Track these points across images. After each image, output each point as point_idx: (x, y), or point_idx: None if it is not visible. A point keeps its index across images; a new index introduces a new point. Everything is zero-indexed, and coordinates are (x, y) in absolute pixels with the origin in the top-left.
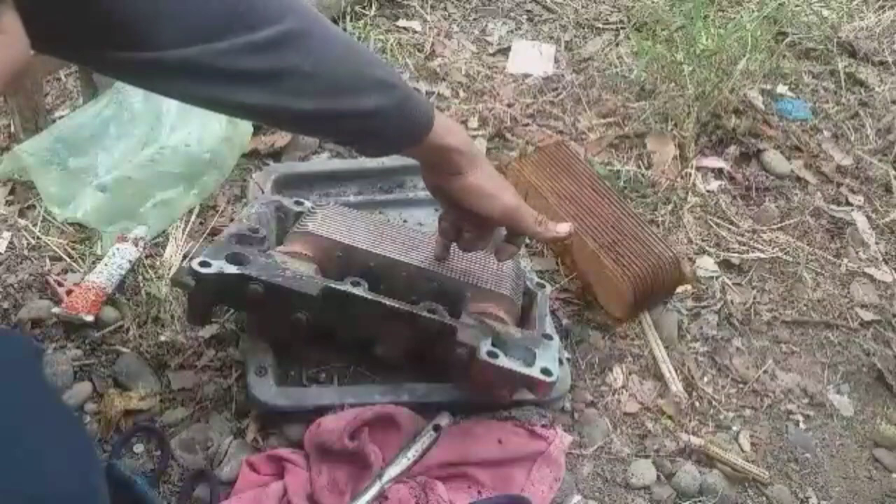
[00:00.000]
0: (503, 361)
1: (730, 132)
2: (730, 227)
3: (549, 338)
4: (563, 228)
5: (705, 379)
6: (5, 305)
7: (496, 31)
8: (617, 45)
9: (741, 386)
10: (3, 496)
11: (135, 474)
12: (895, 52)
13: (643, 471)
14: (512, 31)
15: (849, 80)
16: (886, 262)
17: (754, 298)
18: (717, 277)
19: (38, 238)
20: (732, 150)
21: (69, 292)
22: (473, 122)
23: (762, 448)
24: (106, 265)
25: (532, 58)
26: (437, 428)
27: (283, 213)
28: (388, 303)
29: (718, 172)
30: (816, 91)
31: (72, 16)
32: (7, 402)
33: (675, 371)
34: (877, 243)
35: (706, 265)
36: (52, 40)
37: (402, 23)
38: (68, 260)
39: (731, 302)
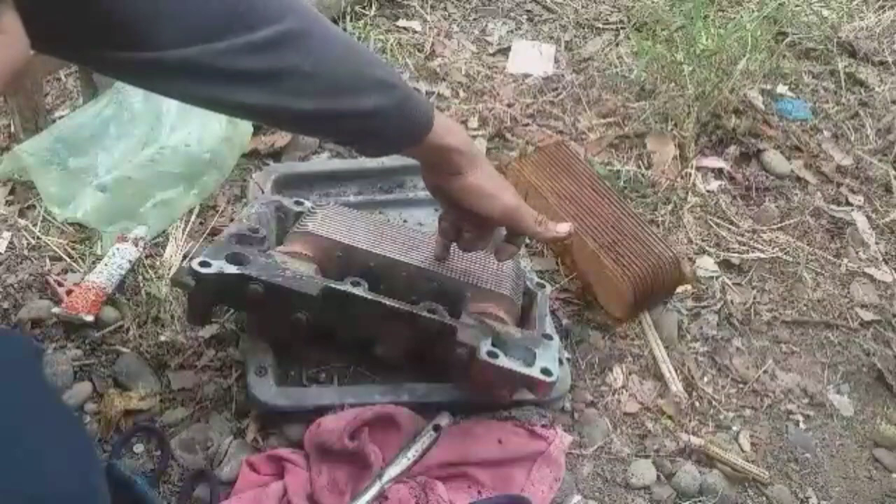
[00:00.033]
0: (503, 361)
1: (730, 132)
2: (730, 227)
3: (549, 338)
4: (563, 228)
5: (705, 379)
6: (5, 305)
7: (496, 31)
8: (617, 45)
9: (741, 386)
10: (3, 496)
11: (135, 474)
12: (895, 52)
13: (643, 471)
14: (512, 31)
15: (849, 80)
16: (886, 262)
17: (754, 298)
18: (717, 277)
19: (38, 238)
20: (732, 150)
21: (69, 292)
22: (473, 122)
23: (762, 448)
24: (106, 265)
25: (532, 58)
26: (437, 428)
27: (283, 213)
28: (388, 303)
29: (718, 172)
30: (816, 91)
31: (72, 16)
32: (7, 402)
33: (675, 371)
34: (877, 243)
35: (706, 265)
36: (52, 40)
37: (402, 23)
38: (68, 260)
39: (731, 302)
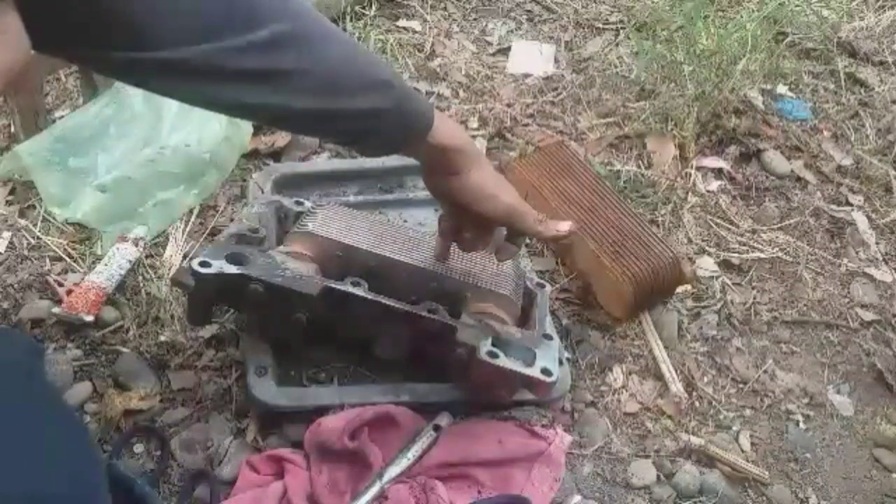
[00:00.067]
0: (503, 361)
1: (730, 132)
2: (730, 227)
3: (549, 338)
4: (564, 226)
5: (705, 379)
6: (5, 305)
7: (496, 31)
8: (617, 45)
9: (741, 386)
10: (3, 496)
11: (135, 474)
12: (895, 53)
13: (643, 471)
14: (512, 31)
15: (849, 80)
16: (886, 262)
17: (754, 298)
18: (717, 277)
19: (38, 238)
20: (732, 150)
21: (69, 292)
22: (473, 122)
23: (762, 448)
24: (106, 265)
25: (532, 58)
26: (437, 428)
27: (283, 213)
28: (388, 303)
29: (718, 172)
30: (816, 91)
31: (72, 15)
32: (8, 402)
33: (675, 371)
34: (877, 243)
35: (706, 265)
36: (52, 40)
37: (402, 23)
38: (68, 260)
39: (731, 302)
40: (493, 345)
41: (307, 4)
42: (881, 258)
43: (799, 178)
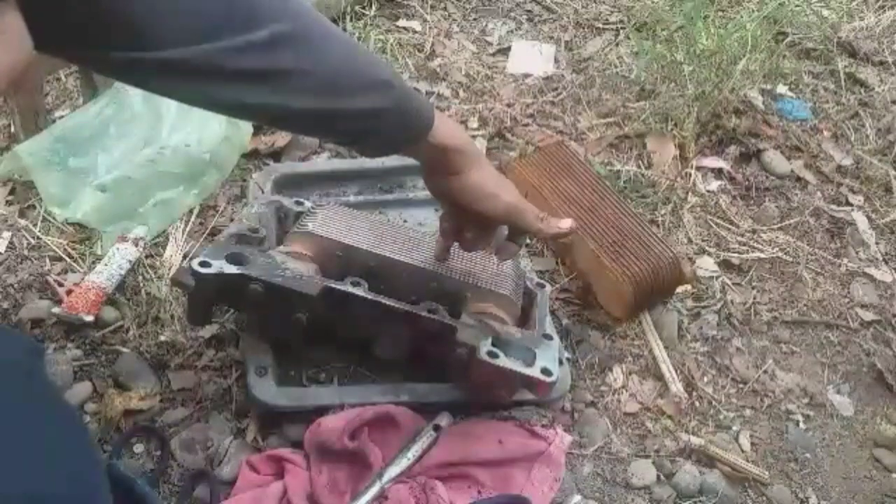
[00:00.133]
0: (503, 361)
1: (730, 132)
2: (730, 227)
3: (549, 338)
4: (565, 224)
5: (705, 379)
6: (5, 305)
7: (496, 31)
8: (617, 45)
9: (741, 386)
10: (3, 496)
11: (135, 474)
12: (895, 52)
13: (643, 471)
14: (512, 31)
15: (849, 80)
16: (886, 262)
17: (754, 298)
18: (717, 277)
19: (38, 238)
20: (732, 150)
21: (69, 292)
22: (473, 122)
23: (762, 448)
24: (106, 265)
25: (532, 58)
26: (437, 428)
27: (283, 213)
28: (388, 303)
29: (718, 172)
30: (816, 91)
31: (71, 15)
32: (8, 402)
33: (675, 371)
34: (877, 243)
35: (706, 265)
36: (53, 40)
37: (402, 23)
38: (68, 260)
39: (731, 302)
40: (493, 345)
41: (307, 4)
42: (881, 258)
43: (799, 178)
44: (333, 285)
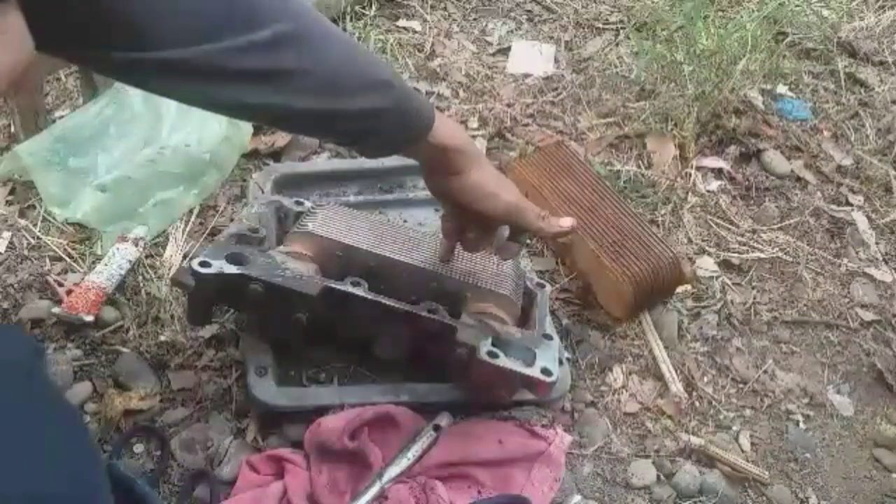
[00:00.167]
0: (503, 361)
1: (730, 132)
2: (730, 227)
3: (549, 338)
4: (567, 222)
5: (705, 379)
6: (5, 305)
7: (496, 31)
8: (617, 45)
9: (741, 386)
10: (3, 496)
11: (135, 474)
12: (895, 52)
13: (643, 471)
14: (512, 31)
15: (849, 80)
16: (886, 262)
17: (754, 298)
18: (717, 277)
19: (38, 238)
20: (732, 150)
21: (69, 292)
22: (473, 122)
23: (762, 448)
24: (106, 265)
25: (532, 58)
26: (437, 428)
27: (283, 213)
28: (388, 303)
29: (718, 172)
30: (816, 91)
31: (72, 15)
32: (8, 402)
33: (675, 371)
34: (877, 243)
35: (706, 265)
36: (52, 40)
37: (402, 23)
38: (68, 260)
39: (731, 302)
40: (493, 345)
41: (307, 4)
42: (881, 258)
43: (799, 178)
44: (333, 285)
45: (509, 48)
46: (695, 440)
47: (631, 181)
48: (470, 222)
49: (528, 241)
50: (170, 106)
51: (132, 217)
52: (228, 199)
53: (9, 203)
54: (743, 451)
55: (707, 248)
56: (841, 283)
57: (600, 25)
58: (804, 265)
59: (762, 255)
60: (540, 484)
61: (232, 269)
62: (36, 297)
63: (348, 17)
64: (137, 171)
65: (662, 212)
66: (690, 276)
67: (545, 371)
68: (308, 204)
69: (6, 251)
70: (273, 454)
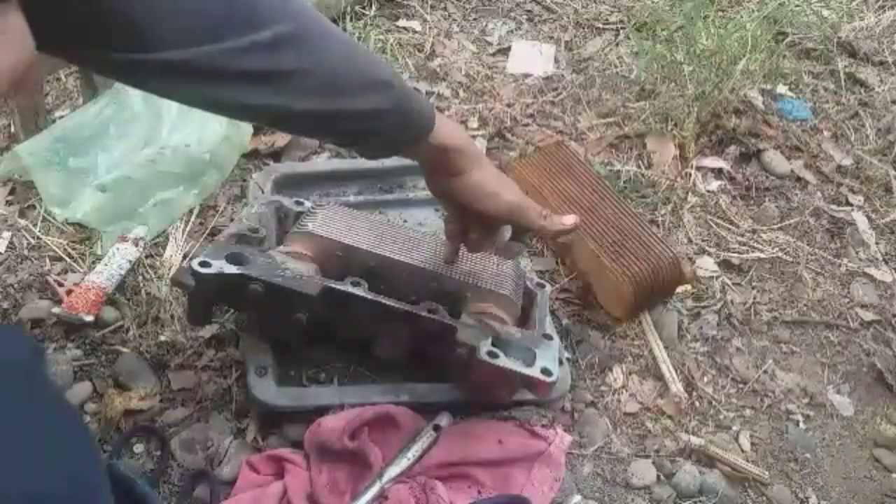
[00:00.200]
0: (503, 361)
1: (730, 132)
2: (730, 227)
3: (549, 338)
4: (569, 220)
5: (705, 379)
6: (5, 305)
7: (496, 31)
8: (617, 45)
9: (741, 386)
10: (3, 496)
11: (135, 474)
12: (895, 52)
13: (643, 471)
14: (512, 31)
15: (849, 80)
16: (886, 262)
17: (754, 298)
18: (717, 277)
19: (38, 238)
20: (732, 150)
21: (69, 292)
22: (473, 122)
23: (762, 448)
24: (106, 265)
25: (532, 58)
26: (437, 428)
27: (283, 213)
28: (388, 303)
29: (718, 172)
30: (816, 91)
31: (72, 15)
32: (8, 402)
33: (675, 371)
34: (877, 243)
35: (706, 265)
36: (52, 40)
37: (402, 23)
38: (68, 260)
39: (731, 302)
40: (493, 345)
41: (307, 4)
42: (881, 258)
43: (799, 178)
44: (333, 285)
45: (509, 48)
46: (695, 440)
47: (631, 181)
48: (472, 223)
49: (529, 240)
50: (170, 106)
51: (132, 217)
52: (228, 199)
53: (9, 203)
54: (743, 451)
55: (707, 248)
56: (841, 283)
57: (600, 25)
58: (804, 265)
59: (762, 255)
60: (540, 484)
61: (232, 269)
62: (36, 297)
63: (348, 17)
64: (137, 171)
65: (662, 212)
66: (690, 276)
67: (545, 371)
68: (308, 204)
69: (6, 251)
70: (273, 454)
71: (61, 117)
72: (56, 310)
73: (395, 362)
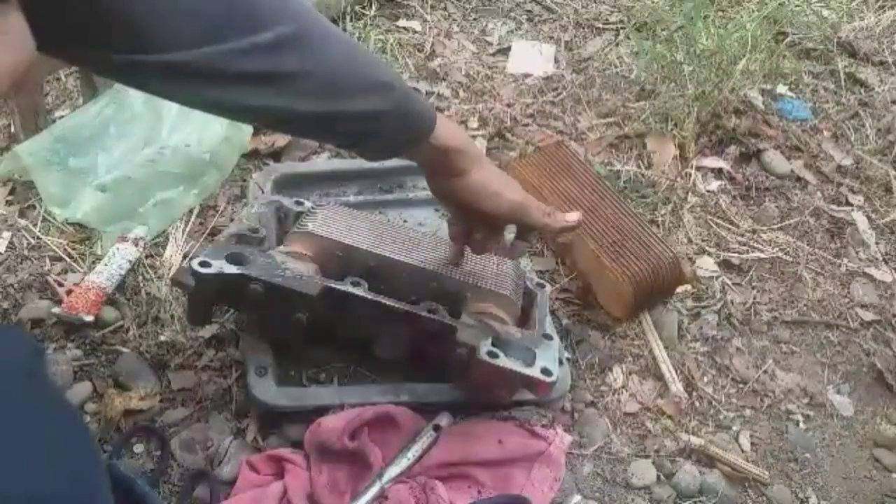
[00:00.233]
0: (503, 361)
1: (730, 132)
2: (730, 227)
3: (549, 338)
4: (573, 217)
5: (705, 379)
6: (5, 305)
7: (496, 31)
8: (617, 45)
9: (741, 386)
10: (3, 496)
11: (135, 474)
12: (895, 52)
13: (643, 471)
14: (512, 31)
15: (849, 80)
16: (886, 262)
17: (754, 298)
18: (717, 277)
19: (38, 238)
20: (732, 150)
21: (69, 292)
22: (473, 122)
23: (762, 448)
24: (106, 265)
25: (532, 58)
26: (437, 428)
27: (283, 213)
28: (388, 303)
29: (718, 172)
30: (816, 91)
31: (72, 16)
32: (8, 402)
33: (675, 371)
34: (877, 243)
35: (706, 265)
36: (53, 41)
37: (402, 23)
38: (68, 260)
39: (731, 302)
40: (493, 345)
41: (306, 4)
42: (881, 258)
43: (799, 178)
44: (333, 285)
45: (509, 48)
46: (695, 440)
47: (631, 181)
48: (476, 223)
49: (533, 239)
50: (170, 106)
51: (132, 217)
52: (228, 199)
53: (9, 203)
54: (743, 451)
55: (707, 248)
56: (841, 283)
57: (600, 25)
58: (804, 265)
59: (762, 255)
60: (540, 484)
61: (232, 269)
62: (36, 297)
63: (348, 17)
64: (137, 171)
65: (662, 212)
66: (690, 276)
67: (545, 371)
68: (308, 204)
69: (6, 251)
70: (273, 454)
71: (61, 117)
72: (56, 310)
73: (395, 362)
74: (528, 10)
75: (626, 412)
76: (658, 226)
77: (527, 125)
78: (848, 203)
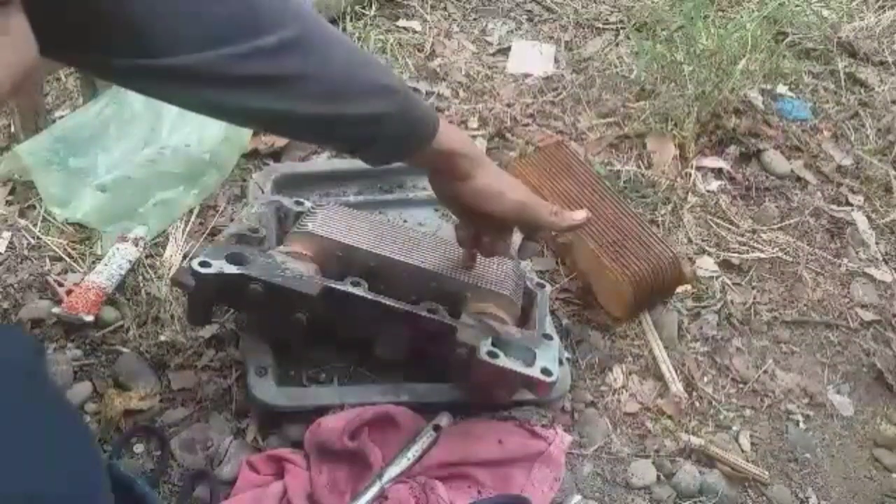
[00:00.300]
0: (503, 361)
1: (730, 132)
2: (730, 227)
3: (549, 338)
4: (580, 215)
5: (705, 379)
6: (5, 305)
7: (496, 31)
8: (617, 45)
9: (741, 386)
10: (3, 496)
11: (135, 474)
12: (895, 52)
13: (643, 471)
14: (512, 31)
15: (849, 80)
16: (886, 262)
17: (754, 298)
18: (717, 277)
19: (38, 238)
20: (732, 150)
21: (69, 292)
22: (473, 122)
23: (762, 448)
24: (106, 265)
25: (532, 58)
26: (437, 428)
27: (283, 213)
28: (388, 303)
29: (718, 172)
30: (816, 91)
31: (77, 20)
32: (8, 401)
33: (675, 371)
34: (877, 243)
35: (706, 265)
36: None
37: (402, 23)
38: (68, 260)
39: (731, 302)
40: (493, 345)
41: (305, 6)
42: (881, 258)
43: (799, 178)
44: (333, 285)
45: (509, 48)
46: (695, 440)
47: (631, 181)
48: (482, 226)
49: (541, 239)
50: (170, 106)
51: (132, 217)
52: (228, 199)
53: (9, 203)
54: (743, 451)
55: (707, 248)
56: (841, 283)
57: (600, 25)
58: (804, 265)
59: (762, 255)
60: (540, 484)
61: (232, 269)
62: (36, 297)
63: (348, 17)
64: (137, 171)
65: (662, 212)
66: (690, 276)
67: (545, 371)
68: (308, 204)
69: (6, 251)
70: (273, 454)
71: (61, 117)
72: (56, 310)
73: (395, 362)
74: (528, 10)
75: (626, 412)
76: (658, 226)
77: (527, 125)
78: (848, 203)
